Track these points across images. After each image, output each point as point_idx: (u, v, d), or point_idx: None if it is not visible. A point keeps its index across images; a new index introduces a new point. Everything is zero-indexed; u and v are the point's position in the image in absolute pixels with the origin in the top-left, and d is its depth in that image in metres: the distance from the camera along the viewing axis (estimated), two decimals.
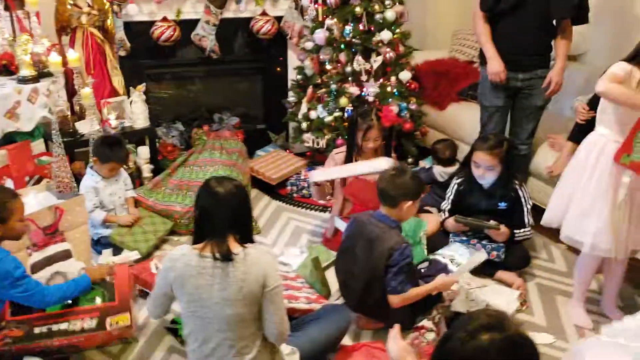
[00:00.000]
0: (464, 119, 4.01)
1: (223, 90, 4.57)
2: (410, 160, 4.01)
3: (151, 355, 2.41)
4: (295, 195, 3.79)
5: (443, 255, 2.88)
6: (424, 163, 3.96)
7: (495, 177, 2.92)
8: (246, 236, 2.00)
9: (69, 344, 2.25)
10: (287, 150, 4.25)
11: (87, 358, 2.37)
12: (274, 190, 3.85)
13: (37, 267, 2.47)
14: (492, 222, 2.85)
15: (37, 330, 2.22)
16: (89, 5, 3.60)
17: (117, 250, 3.03)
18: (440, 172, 3.60)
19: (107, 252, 3.00)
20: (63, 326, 2.24)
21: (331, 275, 2.76)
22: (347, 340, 2.45)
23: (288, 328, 2.01)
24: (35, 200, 2.66)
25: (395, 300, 2.41)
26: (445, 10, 5.14)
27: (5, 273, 2.09)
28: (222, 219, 1.94)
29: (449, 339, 1.25)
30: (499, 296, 2.69)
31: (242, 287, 1.88)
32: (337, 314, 2.38)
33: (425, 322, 2.50)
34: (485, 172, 2.91)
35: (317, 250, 3.06)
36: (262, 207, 3.69)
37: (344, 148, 3.27)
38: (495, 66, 3.09)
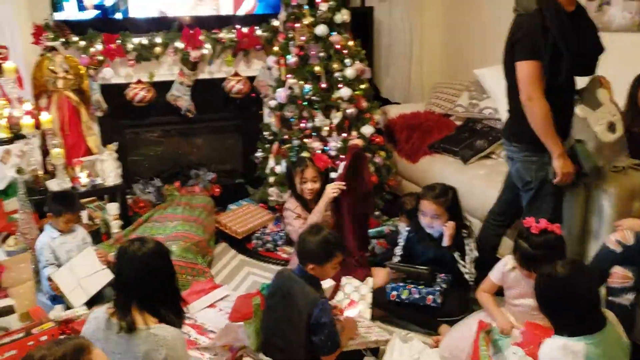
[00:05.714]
0: (435, 172, 4.02)
1: (202, 148, 4.73)
2: (377, 213, 4.02)
3: None
4: (260, 249, 3.83)
5: None
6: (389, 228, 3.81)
7: (443, 225, 2.92)
8: (154, 307, 1.94)
9: None
10: (261, 205, 4.30)
11: None
12: (242, 244, 3.91)
13: None
14: (423, 268, 2.86)
15: None
16: (65, 71, 3.84)
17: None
18: (404, 227, 3.57)
19: (58, 307, 3.07)
20: None
21: None
22: None
23: None
24: None
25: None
26: (429, 66, 5.24)
27: None
28: (124, 281, 1.96)
29: None
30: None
31: None
32: None
33: None
34: (432, 220, 2.92)
35: None
36: (226, 261, 3.72)
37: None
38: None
